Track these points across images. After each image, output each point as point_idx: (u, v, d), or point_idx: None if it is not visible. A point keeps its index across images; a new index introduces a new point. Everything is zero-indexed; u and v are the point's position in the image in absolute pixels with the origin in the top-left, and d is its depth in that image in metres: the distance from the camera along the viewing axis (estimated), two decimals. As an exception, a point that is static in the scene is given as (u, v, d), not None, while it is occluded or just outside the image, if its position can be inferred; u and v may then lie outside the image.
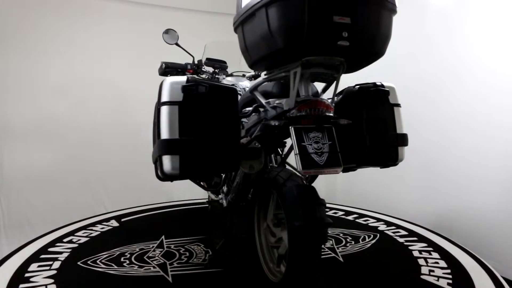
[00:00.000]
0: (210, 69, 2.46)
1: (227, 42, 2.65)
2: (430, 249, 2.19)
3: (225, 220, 2.12)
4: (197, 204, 3.37)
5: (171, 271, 1.90)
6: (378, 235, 2.47)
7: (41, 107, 3.55)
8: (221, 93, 1.42)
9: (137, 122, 3.91)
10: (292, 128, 1.30)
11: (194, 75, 2.35)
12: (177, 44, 2.35)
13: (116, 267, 1.94)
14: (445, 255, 2.10)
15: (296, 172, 1.52)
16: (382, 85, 1.59)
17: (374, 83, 1.59)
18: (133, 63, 3.74)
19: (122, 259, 2.03)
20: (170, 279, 1.82)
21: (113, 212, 3.05)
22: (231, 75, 2.41)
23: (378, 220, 2.81)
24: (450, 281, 1.76)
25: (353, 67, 1.37)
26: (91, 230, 2.54)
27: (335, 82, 1.43)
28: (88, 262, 1.99)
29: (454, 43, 2.60)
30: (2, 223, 3.34)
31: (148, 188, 3.58)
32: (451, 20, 2.59)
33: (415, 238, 2.38)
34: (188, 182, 1.57)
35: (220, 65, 2.48)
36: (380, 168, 1.64)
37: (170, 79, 1.39)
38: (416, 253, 2.13)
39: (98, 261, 2.00)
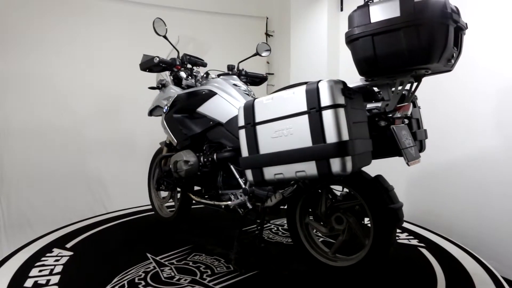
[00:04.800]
0: (188, 66, 2.48)
1: (198, 41, 2.66)
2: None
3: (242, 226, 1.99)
4: (134, 214, 3.02)
5: (213, 285, 1.74)
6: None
7: (40, 107, 3.56)
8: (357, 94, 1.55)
9: (136, 121, 3.92)
10: (394, 127, 1.53)
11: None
12: (165, 37, 2.33)
13: (146, 296, 1.65)
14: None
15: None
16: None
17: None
18: (133, 63, 3.74)
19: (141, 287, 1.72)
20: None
21: (44, 236, 2.41)
22: (207, 73, 2.39)
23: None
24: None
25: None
26: (45, 266, 1.94)
27: (411, 87, 1.62)
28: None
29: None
30: (2, 223, 3.35)
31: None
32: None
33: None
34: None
35: (201, 63, 2.55)
36: None
37: (326, 83, 1.39)
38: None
39: (114, 298, 1.64)
